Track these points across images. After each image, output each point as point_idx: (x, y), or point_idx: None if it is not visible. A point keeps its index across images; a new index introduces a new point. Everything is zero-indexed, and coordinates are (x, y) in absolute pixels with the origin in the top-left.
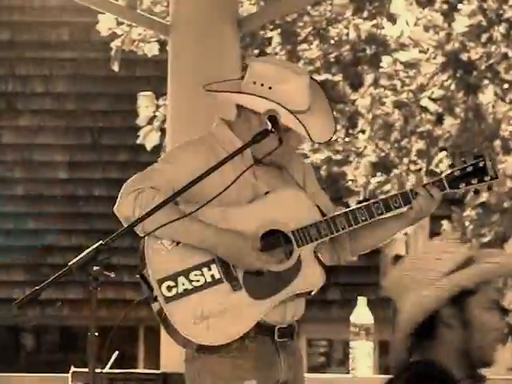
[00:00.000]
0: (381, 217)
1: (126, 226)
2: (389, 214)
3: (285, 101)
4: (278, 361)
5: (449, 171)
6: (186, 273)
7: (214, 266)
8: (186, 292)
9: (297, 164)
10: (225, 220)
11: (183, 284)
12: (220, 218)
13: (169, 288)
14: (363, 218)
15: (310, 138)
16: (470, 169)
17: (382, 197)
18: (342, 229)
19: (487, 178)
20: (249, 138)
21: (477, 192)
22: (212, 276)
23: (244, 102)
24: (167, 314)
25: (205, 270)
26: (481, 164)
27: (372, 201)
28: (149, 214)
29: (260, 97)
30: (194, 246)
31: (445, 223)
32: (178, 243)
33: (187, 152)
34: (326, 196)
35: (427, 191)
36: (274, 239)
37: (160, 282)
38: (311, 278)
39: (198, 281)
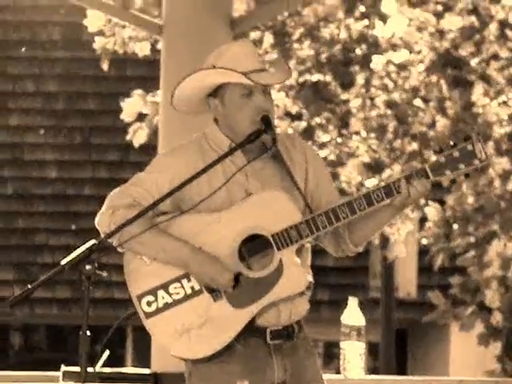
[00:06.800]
0: (363, 212)
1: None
2: (372, 208)
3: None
4: (271, 363)
5: (433, 158)
6: (165, 286)
7: (193, 277)
8: (167, 306)
9: (299, 155)
10: (205, 228)
11: (163, 298)
12: (200, 226)
13: (148, 303)
14: (344, 216)
15: (256, 82)
16: (456, 154)
17: (365, 191)
18: (323, 228)
19: (476, 162)
20: (226, 126)
21: (467, 176)
22: (192, 287)
23: (198, 85)
24: (149, 329)
25: (184, 281)
26: (469, 147)
27: (354, 196)
28: (123, 226)
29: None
30: (168, 262)
31: (431, 221)
32: None
33: (173, 158)
34: (331, 189)
35: (409, 183)
36: (255, 244)
37: (139, 297)
38: (294, 280)
39: (177, 293)
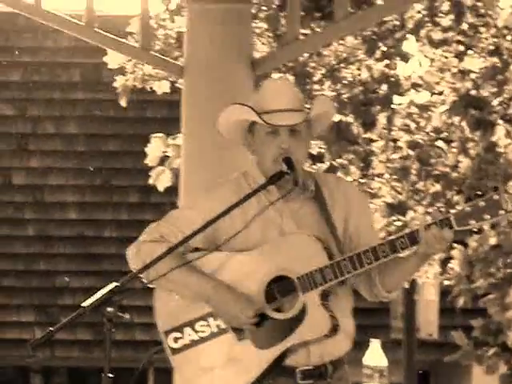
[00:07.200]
0: (387, 258)
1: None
2: (396, 255)
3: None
4: None
5: (459, 208)
6: (192, 323)
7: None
8: (193, 343)
9: (342, 196)
10: (235, 266)
11: (189, 335)
12: (231, 263)
13: (175, 339)
14: (368, 261)
15: (267, 123)
16: (482, 204)
17: (389, 238)
18: (348, 272)
19: (501, 212)
20: (261, 165)
21: (493, 226)
22: (218, 326)
23: (229, 124)
24: (174, 366)
25: (211, 319)
26: (495, 197)
27: (378, 243)
28: (151, 264)
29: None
30: (192, 298)
31: (454, 262)
32: None
33: (207, 198)
34: (371, 233)
35: (432, 232)
36: (282, 286)
37: (167, 333)
38: (316, 324)
39: (203, 331)
